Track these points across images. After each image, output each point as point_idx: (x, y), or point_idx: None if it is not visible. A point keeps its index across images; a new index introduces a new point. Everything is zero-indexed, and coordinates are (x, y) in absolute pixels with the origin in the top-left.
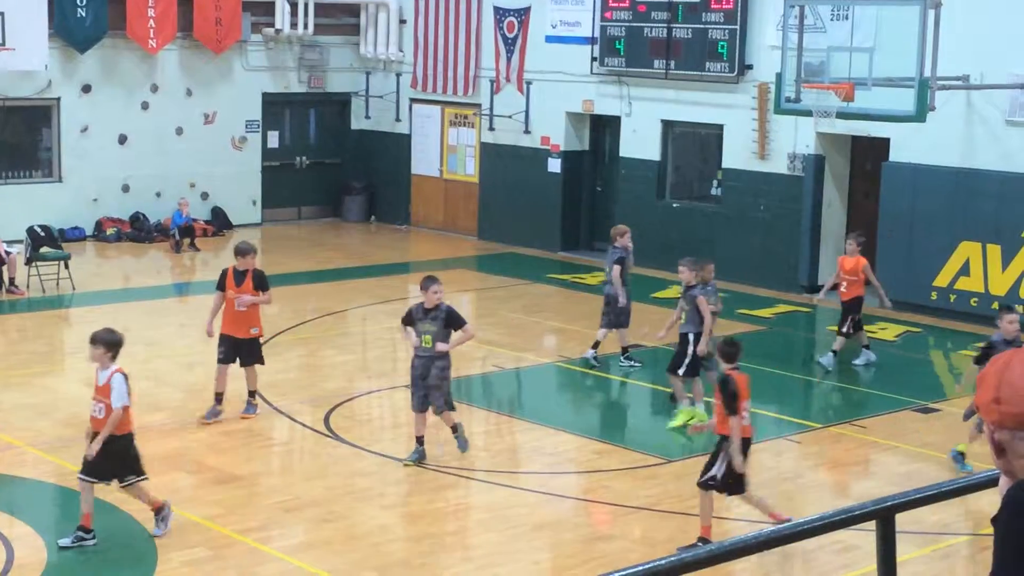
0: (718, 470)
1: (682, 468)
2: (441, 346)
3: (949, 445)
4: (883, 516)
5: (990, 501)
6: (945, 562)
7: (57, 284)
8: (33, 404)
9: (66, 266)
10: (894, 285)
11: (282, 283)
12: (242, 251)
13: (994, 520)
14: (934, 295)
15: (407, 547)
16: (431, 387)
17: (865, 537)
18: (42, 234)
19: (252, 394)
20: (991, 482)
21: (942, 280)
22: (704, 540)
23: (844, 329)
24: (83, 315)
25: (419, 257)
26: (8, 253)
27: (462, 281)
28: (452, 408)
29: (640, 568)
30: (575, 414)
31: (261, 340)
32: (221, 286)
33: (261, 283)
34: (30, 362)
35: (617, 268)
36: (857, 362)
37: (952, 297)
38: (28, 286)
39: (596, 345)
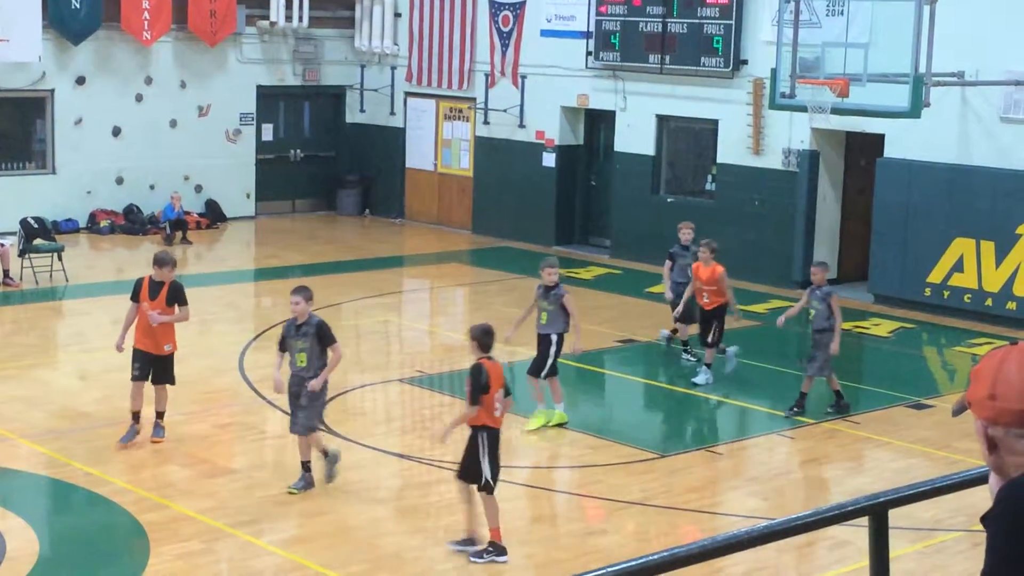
0: (488, 469)
1: (675, 463)
2: (314, 384)
3: (943, 441)
4: (876, 512)
5: (983, 497)
6: (938, 558)
7: (50, 276)
8: (26, 396)
9: (59, 258)
10: (888, 281)
11: (275, 276)
12: (159, 261)
13: (984, 519)
14: (928, 291)
15: (399, 541)
16: (300, 407)
17: (858, 533)
18: (35, 226)
19: (160, 415)
20: (984, 478)
21: (936, 276)
22: (494, 544)
23: (710, 339)
24: (76, 307)
25: (413, 251)
26: (1, 245)
27: (456, 275)
28: (314, 430)
29: (633, 563)
30: (569, 409)
31: (175, 357)
32: (135, 297)
33: (177, 297)
34: (23, 354)
35: (667, 263)
36: (696, 380)
37: (946, 293)
38: (21, 278)
39: (674, 333)
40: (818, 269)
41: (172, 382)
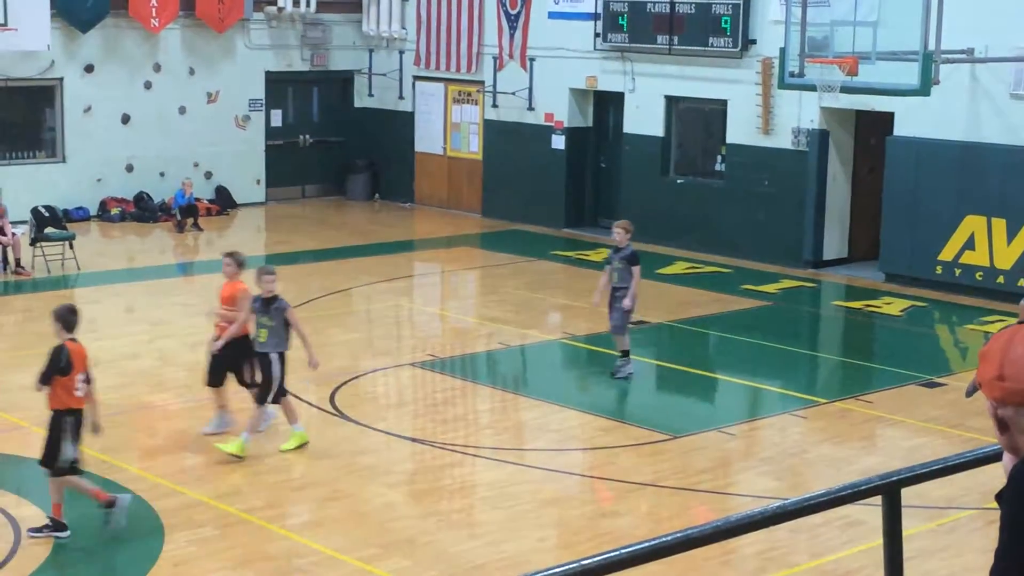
0: (74, 451)
1: (687, 444)
2: None
3: (955, 419)
4: (889, 491)
5: (996, 475)
6: (951, 536)
7: (62, 264)
8: None
9: (71, 246)
10: (899, 259)
11: (286, 262)
12: None
13: (999, 497)
14: (939, 269)
15: (413, 524)
16: None
17: (871, 512)
18: (46, 214)
19: None
20: (997, 456)
21: (947, 254)
22: (54, 520)
23: (249, 380)
24: (88, 295)
25: (423, 235)
26: (13, 234)
27: (466, 258)
28: None
29: (646, 544)
30: (580, 391)
31: None
32: None
33: None
34: (36, 343)
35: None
36: (205, 430)
37: (957, 271)
38: (33, 267)
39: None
40: None
41: None
